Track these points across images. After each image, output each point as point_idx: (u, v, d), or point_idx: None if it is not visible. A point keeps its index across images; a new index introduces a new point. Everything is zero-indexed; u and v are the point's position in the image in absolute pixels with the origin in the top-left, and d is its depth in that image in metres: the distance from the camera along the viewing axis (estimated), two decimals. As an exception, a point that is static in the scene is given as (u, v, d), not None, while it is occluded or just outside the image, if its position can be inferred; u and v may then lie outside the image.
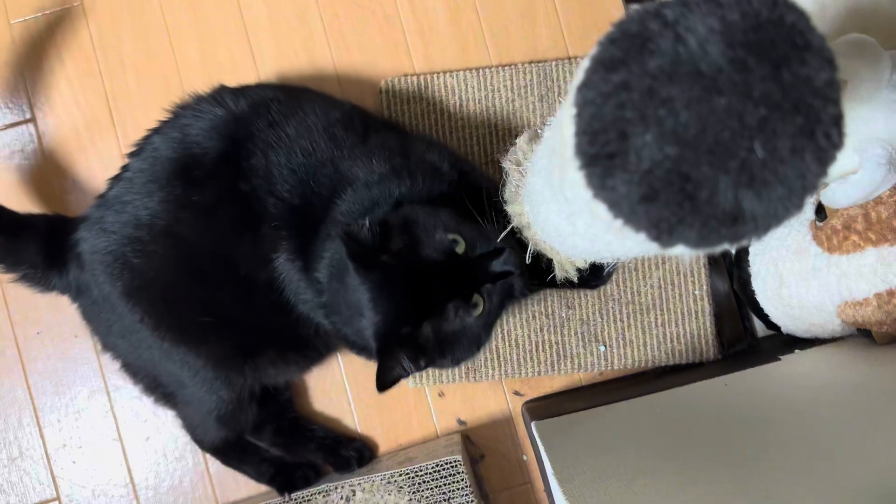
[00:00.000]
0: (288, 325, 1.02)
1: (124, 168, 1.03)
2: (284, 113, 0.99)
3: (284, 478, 1.15)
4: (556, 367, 1.17)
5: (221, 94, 1.02)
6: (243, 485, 1.22)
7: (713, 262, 1.18)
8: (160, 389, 1.07)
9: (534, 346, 1.17)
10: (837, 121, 0.47)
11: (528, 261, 0.92)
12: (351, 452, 1.17)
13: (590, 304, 1.17)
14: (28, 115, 1.27)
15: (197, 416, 1.09)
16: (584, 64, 0.51)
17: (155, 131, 1.03)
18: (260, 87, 1.06)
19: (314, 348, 1.09)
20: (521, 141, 0.94)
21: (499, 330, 1.17)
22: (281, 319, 1.01)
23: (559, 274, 0.98)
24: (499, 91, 1.22)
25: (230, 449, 1.14)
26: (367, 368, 1.23)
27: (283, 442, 1.17)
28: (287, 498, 1.14)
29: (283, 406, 1.18)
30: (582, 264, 0.94)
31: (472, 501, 1.09)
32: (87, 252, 1.01)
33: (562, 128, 0.54)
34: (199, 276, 0.98)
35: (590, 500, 0.73)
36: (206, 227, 0.97)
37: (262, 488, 1.19)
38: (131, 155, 1.03)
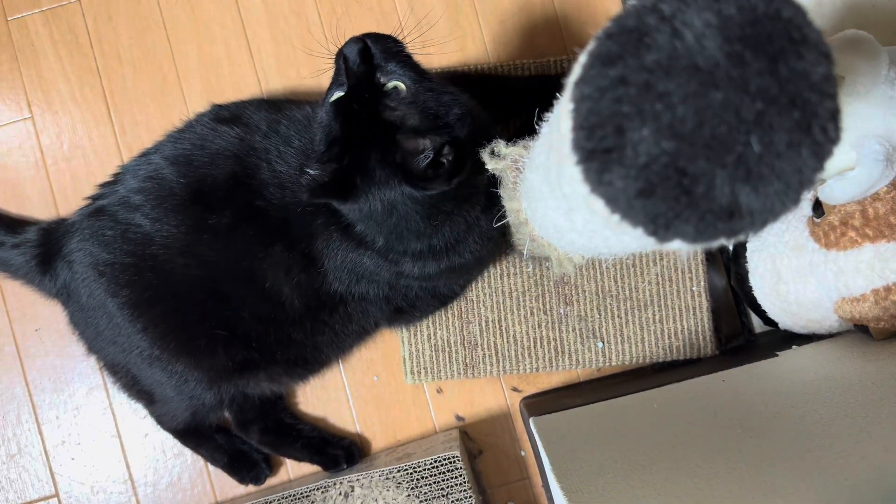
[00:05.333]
0: (307, 339, 1.05)
1: (120, 180, 1.05)
2: (273, 120, 1.02)
3: (237, 471, 1.18)
4: (554, 364, 1.17)
5: (217, 117, 1.04)
6: (242, 481, 1.22)
7: (711, 259, 1.18)
8: (138, 387, 1.09)
9: (532, 342, 1.17)
10: (834, 115, 0.47)
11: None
12: (338, 451, 1.17)
13: (587, 300, 1.17)
14: (26, 113, 1.27)
15: (171, 412, 1.11)
16: (582, 59, 0.51)
17: (155, 150, 1.04)
18: (248, 104, 1.09)
19: (323, 362, 1.13)
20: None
21: (497, 326, 1.17)
22: (302, 332, 1.03)
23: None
24: (497, 87, 1.22)
25: (190, 433, 1.16)
26: (365, 365, 1.23)
27: (269, 441, 1.17)
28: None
29: (271, 404, 1.17)
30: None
31: (470, 497, 1.09)
32: (81, 262, 1.02)
33: (559, 123, 0.54)
34: (222, 293, 1.00)
35: (588, 495, 0.73)
36: (226, 247, 0.99)
37: (261, 486, 1.20)
38: (130, 171, 1.05)
